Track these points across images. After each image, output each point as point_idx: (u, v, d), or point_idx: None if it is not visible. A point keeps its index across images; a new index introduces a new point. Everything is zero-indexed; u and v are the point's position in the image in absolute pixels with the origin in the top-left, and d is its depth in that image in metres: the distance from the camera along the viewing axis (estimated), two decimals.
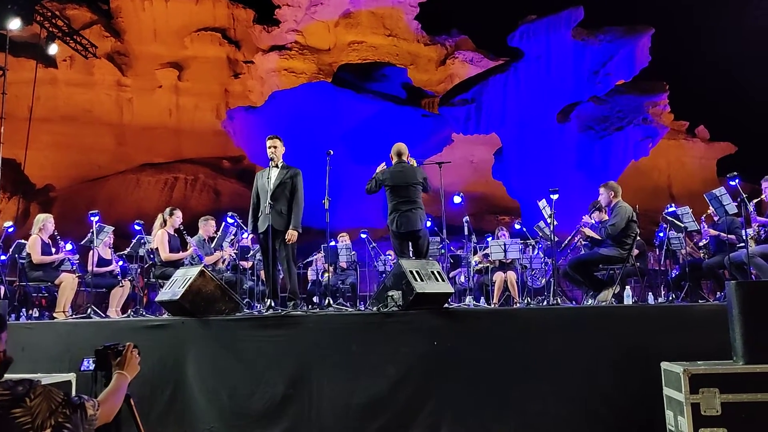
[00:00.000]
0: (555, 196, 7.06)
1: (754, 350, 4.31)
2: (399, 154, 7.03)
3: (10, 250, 9.17)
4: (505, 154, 22.79)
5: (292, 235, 6.47)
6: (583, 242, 8.24)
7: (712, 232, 8.04)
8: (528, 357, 5.12)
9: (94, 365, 2.61)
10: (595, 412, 4.96)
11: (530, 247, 9.91)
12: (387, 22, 29.97)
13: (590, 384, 5.02)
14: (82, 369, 2.65)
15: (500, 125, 22.17)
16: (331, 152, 7.04)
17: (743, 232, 7.06)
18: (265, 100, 24.13)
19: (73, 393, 2.31)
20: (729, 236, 7.65)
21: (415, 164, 7.10)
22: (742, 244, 6.97)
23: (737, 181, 6.88)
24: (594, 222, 7.62)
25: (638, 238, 7.65)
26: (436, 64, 31.02)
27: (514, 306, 8.41)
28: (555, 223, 7.17)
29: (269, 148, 6.66)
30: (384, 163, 7.13)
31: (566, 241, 8.03)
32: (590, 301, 7.11)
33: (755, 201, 7.08)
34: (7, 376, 2.22)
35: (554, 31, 21.31)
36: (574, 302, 9.53)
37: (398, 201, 6.81)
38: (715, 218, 8.07)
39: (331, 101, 22.15)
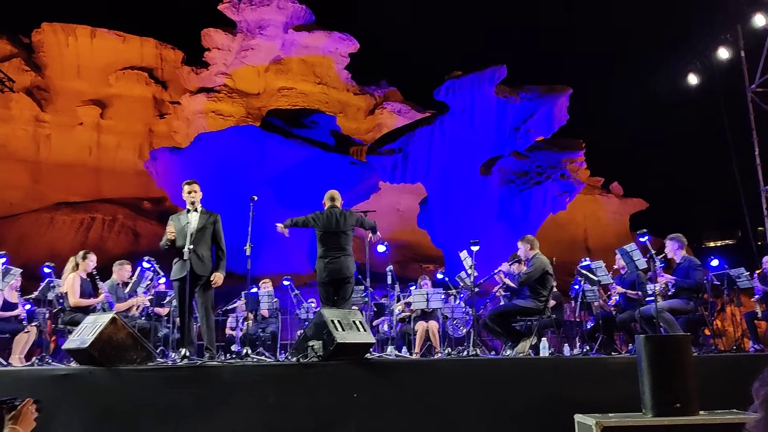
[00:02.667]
0: (476, 248, 7.22)
1: (660, 403, 4.46)
2: (332, 199, 7.05)
3: None
4: (430, 204, 23.21)
5: (218, 278, 6.33)
6: (503, 293, 8.42)
7: (620, 289, 8.40)
8: (447, 408, 5.14)
9: None
10: None
11: (452, 296, 10.03)
12: (317, 70, 30.32)
13: None
14: None
15: (426, 175, 22.64)
16: (255, 198, 6.97)
17: (650, 286, 7.41)
18: (191, 142, 23.76)
19: None
20: (635, 293, 8.02)
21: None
22: (651, 298, 7.29)
23: (647, 237, 7.24)
24: (515, 273, 7.81)
25: (554, 289, 7.89)
26: (365, 113, 31.51)
27: (435, 356, 8.45)
28: (475, 273, 7.32)
29: (189, 193, 6.52)
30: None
31: (483, 280, 8.14)
32: (509, 352, 7.23)
33: (661, 257, 7.45)
34: None
35: (478, 87, 22.13)
36: (494, 352, 9.69)
37: (329, 247, 6.80)
38: (622, 272, 8.45)
39: (259, 145, 22.05)
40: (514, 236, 16.97)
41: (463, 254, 7.77)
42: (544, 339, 7.59)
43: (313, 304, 10.57)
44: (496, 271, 7.73)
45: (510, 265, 7.79)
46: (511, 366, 5.82)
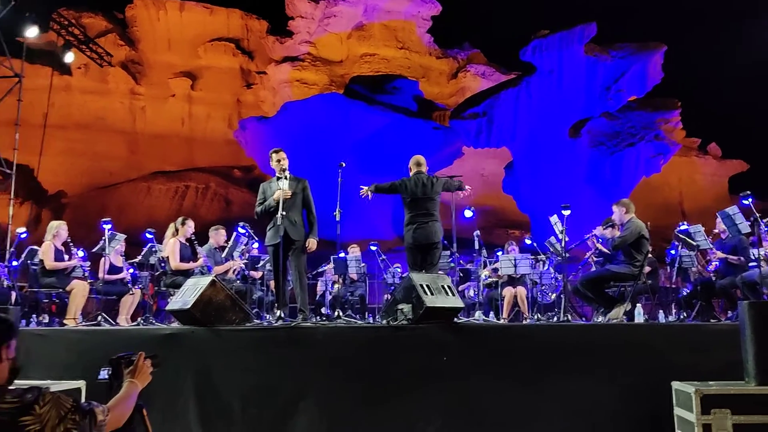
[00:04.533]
0: (567, 212, 7.04)
1: (765, 371, 4.27)
2: (418, 165, 7.02)
3: (23, 256, 9.24)
4: (516, 168, 22.80)
5: (312, 243, 6.48)
6: (595, 259, 8.21)
7: (720, 254, 7.98)
8: (536, 374, 5.09)
9: (109, 374, 2.64)
10: None
11: (540, 262, 9.87)
12: (399, 35, 30.10)
13: (599, 403, 4.98)
14: (99, 378, 2.67)
15: (511, 139, 22.21)
16: (344, 164, 7.04)
17: (753, 251, 7.02)
18: (277, 111, 24.26)
19: (83, 400, 2.33)
20: (737, 258, 7.60)
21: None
22: (754, 263, 6.91)
23: (750, 200, 6.84)
24: (609, 238, 7.58)
25: (649, 255, 7.61)
26: (447, 77, 31.10)
27: (524, 322, 8.37)
28: (566, 239, 7.15)
29: (278, 161, 6.63)
30: None
31: (574, 245, 7.95)
32: (601, 318, 7.07)
33: (766, 220, 7.03)
34: (17, 383, 2.23)
35: (567, 46, 21.38)
36: (584, 318, 9.49)
37: (416, 213, 6.80)
38: (723, 236, 8.02)
39: (343, 113, 22.25)
40: (605, 200, 16.46)
41: (554, 219, 7.60)
42: (638, 305, 7.36)
43: (399, 269, 10.67)
44: (588, 235, 7.53)
45: (603, 229, 7.57)
46: (605, 332, 5.69)
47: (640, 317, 7.16)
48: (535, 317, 8.03)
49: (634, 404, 4.96)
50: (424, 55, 30.82)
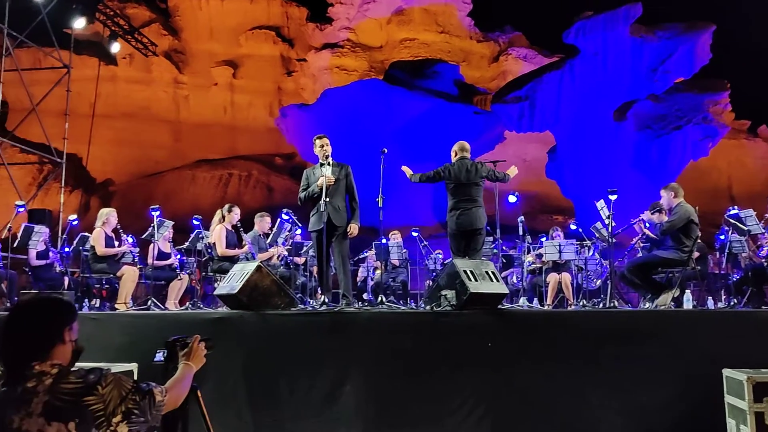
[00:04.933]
0: (613, 197, 6.92)
1: None
2: (462, 150, 6.99)
3: (74, 242, 9.52)
4: (559, 153, 22.45)
5: (354, 228, 6.54)
6: (642, 244, 8.06)
7: None
8: (583, 361, 5.05)
9: (165, 356, 2.71)
10: (653, 421, 4.85)
11: (585, 248, 9.74)
12: (439, 18, 29.84)
13: (647, 391, 4.91)
14: (155, 360, 2.75)
15: (554, 123, 21.86)
16: (386, 150, 7.05)
17: None
18: (317, 98, 24.35)
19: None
20: None
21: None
22: None
23: None
24: (656, 223, 7.44)
25: (698, 240, 7.44)
26: (488, 60, 30.73)
27: (569, 308, 8.29)
28: (613, 224, 7.04)
29: (321, 147, 6.69)
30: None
31: (621, 230, 7.81)
32: (648, 305, 6.95)
33: None
34: (77, 364, 2.30)
35: (611, 27, 20.89)
36: (630, 305, 9.34)
37: (460, 199, 6.77)
38: None
39: (383, 99, 22.20)
40: (651, 185, 16.11)
41: (600, 204, 7.48)
42: (687, 291, 7.22)
43: (440, 255, 10.66)
44: (635, 220, 7.39)
45: (651, 214, 7.42)
46: (653, 318, 5.60)
47: (688, 304, 7.03)
48: (581, 303, 7.94)
49: (683, 392, 4.88)
50: (464, 39, 30.49)
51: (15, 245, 8.36)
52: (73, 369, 2.21)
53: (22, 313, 2.24)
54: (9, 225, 8.52)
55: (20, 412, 2.05)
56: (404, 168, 7.11)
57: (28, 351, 2.15)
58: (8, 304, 7.95)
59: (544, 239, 9.66)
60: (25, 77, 15.00)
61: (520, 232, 8.42)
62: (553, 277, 9.21)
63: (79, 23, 16.16)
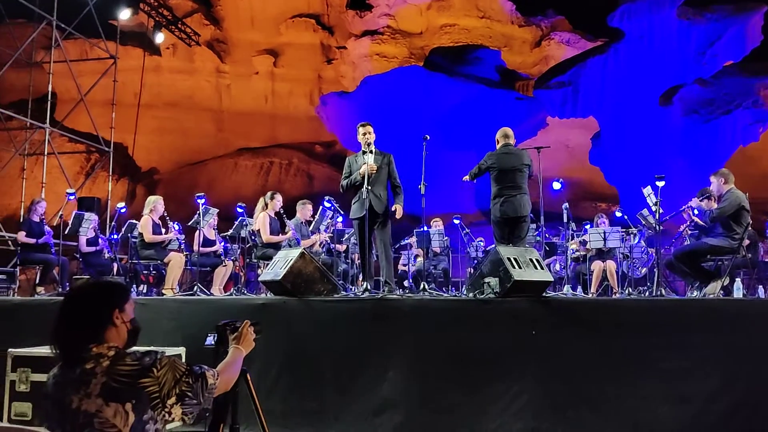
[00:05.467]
0: (661, 183, 6.76)
1: None
2: (506, 137, 6.92)
3: (122, 229, 9.75)
4: (603, 139, 22.06)
5: (399, 210, 6.56)
6: (690, 232, 7.88)
7: None
8: (628, 350, 4.96)
9: (215, 340, 2.77)
10: (701, 413, 4.74)
11: (631, 235, 9.56)
12: (480, 3, 29.47)
13: (695, 383, 4.80)
14: (206, 344, 2.81)
15: (598, 108, 21.48)
16: (428, 137, 7.02)
17: None
18: (357, 86, 24.36)
19: None
20: None
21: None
22: None
23: None
24: (705, 210, 7.25)
25: (749, 228, 7.23)
26: (530, 45, 30.27)
27: (614, 296, 8.16)
28: (660, 211, 6.88)
29: (364, 134, 6.69)
30: None
31: (668, 217, 7.62)
32: (696, 294, 6.79)
33: None
34: (132, 348, 2.37)
35: (658, 10, 20.38)
36: (676, 294, 9.15)
37: (504, 186, 6.71)
38: None
39: (423, 85, 22.10)
40: (698, 171, 15.71)
41: (647, 190, 7.31)
42: (737, 280, 7.02)
43: (482, 243, 10.60)
44: (683, 207, 7.22)
45: (699, 200, 7.24)
46: (701, 307, 5.47)
47: (738, 292, 6.83)
48: (626, 292, 7.81)
49: (732, 383, 4.75)
50: (506, 24, 30.08)
51: (66, 232, 8.61)
52: (129, 351, 2.28)
53: (73, 298, 2.32)
54: (60, 212, 8.78)
55: (79, 393, 2.12)
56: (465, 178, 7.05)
57: (81, 334, 2.22)
58: (59, 290, 8.21)
59: (588, 226, 9.51)
60: (73, 68, 15.37)
61: (565, 219, 8.30)
62: (597, 265, 9.06)
63: (125, 14, 16.51)
